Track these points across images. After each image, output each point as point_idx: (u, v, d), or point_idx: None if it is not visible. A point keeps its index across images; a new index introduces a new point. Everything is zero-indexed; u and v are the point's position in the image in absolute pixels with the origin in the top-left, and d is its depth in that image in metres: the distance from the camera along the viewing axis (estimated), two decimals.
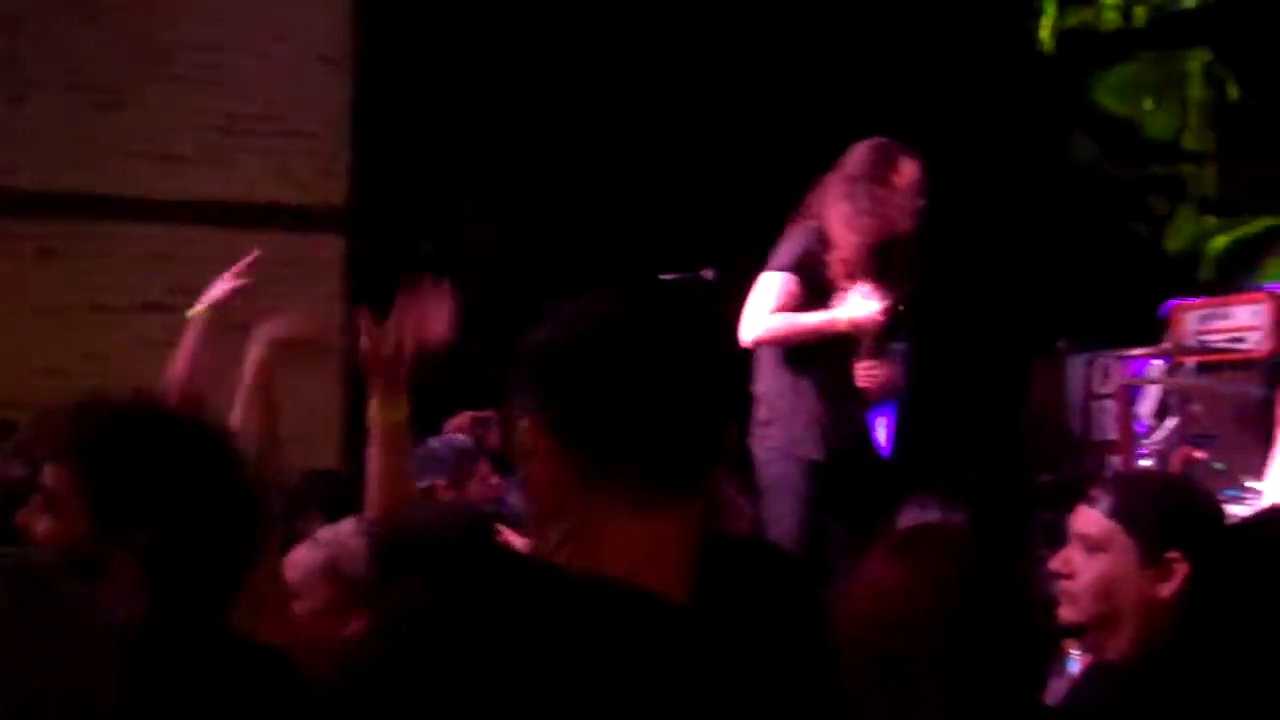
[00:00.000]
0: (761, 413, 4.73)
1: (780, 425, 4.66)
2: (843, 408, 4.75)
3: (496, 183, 7.18)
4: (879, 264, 4.70)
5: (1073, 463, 6.66)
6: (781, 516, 4.54)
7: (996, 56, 7.76)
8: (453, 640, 1.28)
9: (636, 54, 7.22)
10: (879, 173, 4.63)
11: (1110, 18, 8.07)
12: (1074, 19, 8.21)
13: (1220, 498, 4.98)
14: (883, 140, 4.76)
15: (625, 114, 7.22)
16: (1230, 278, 7.81)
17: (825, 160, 5.03)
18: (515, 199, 7.21)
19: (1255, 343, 5.61)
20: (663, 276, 5.93)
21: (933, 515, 3.55)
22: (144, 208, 6.86)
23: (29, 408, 5.73)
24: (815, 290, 4.65)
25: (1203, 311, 6.02)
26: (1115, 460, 6.41)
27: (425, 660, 1.28)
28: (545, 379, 1.41)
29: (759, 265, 5.12)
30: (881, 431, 5.27)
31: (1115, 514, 2.35)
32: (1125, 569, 2.32)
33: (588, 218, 7.11)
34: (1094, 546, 2.36)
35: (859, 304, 4.53)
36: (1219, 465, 5.21)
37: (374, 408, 2.65)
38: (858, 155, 4.73)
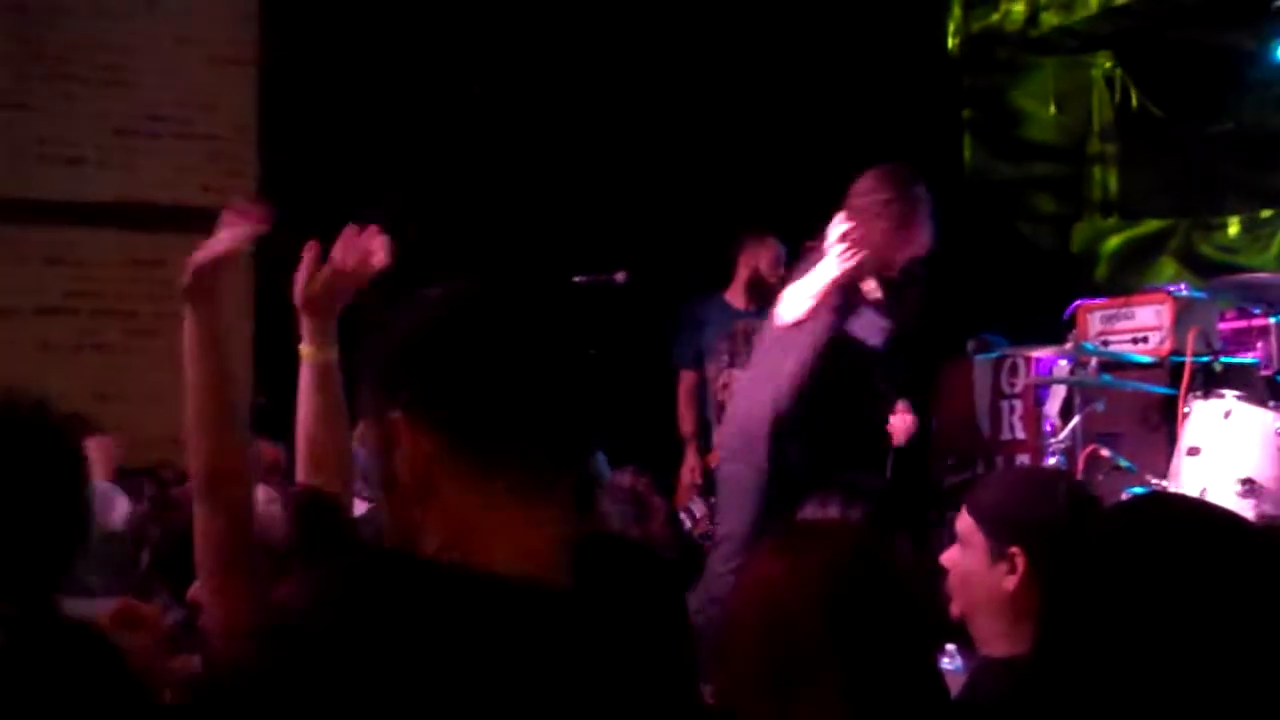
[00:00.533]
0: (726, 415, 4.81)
1: (737, 428, 4.68)
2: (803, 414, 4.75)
3: (404, 185, 7.12)
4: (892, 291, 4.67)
5: (983, 462, 6.74)
6: (730, 514, 4.57)
7: (900, 61, 7.83)
8: (351, 641, 1.25)
9: (544, 55, 7.20)
10: (911, 201, 4.59)
11: (1016, 22, 8.18)
12: (979, 24, 8.32)
13: (1122, 496, 5.08)
14: (905, 167, 4.71)
15: (535, 115, 7.20)
16: (1124, 277, 7.95)
17: (729, 156, 5.08)
18: (423, 202, 7.15)
19: (1156, 342, 5.71)
20: (576, 279, 5.92)
21: (832, 512, 3.55)
22: (42, 210, 6.71)
23: None
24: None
25: (1106, 311, 6.12)
26: (1023, 459, 6.50)
27: (321, 660, 1.25)
28: (424, 370, 1.33)
29: (674, 268, 5.17)
30: None
31: (973, 511, 2.45)
32: (977, 564, 2.41)
33: (500, 219, 7.07)
34: (962, 543, 2.46)
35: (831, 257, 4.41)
36: (1124, 463, 5.30)
37: (305, 347, 2.64)
38: (893, 179, 4.65)
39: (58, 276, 6.64)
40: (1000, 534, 2.40)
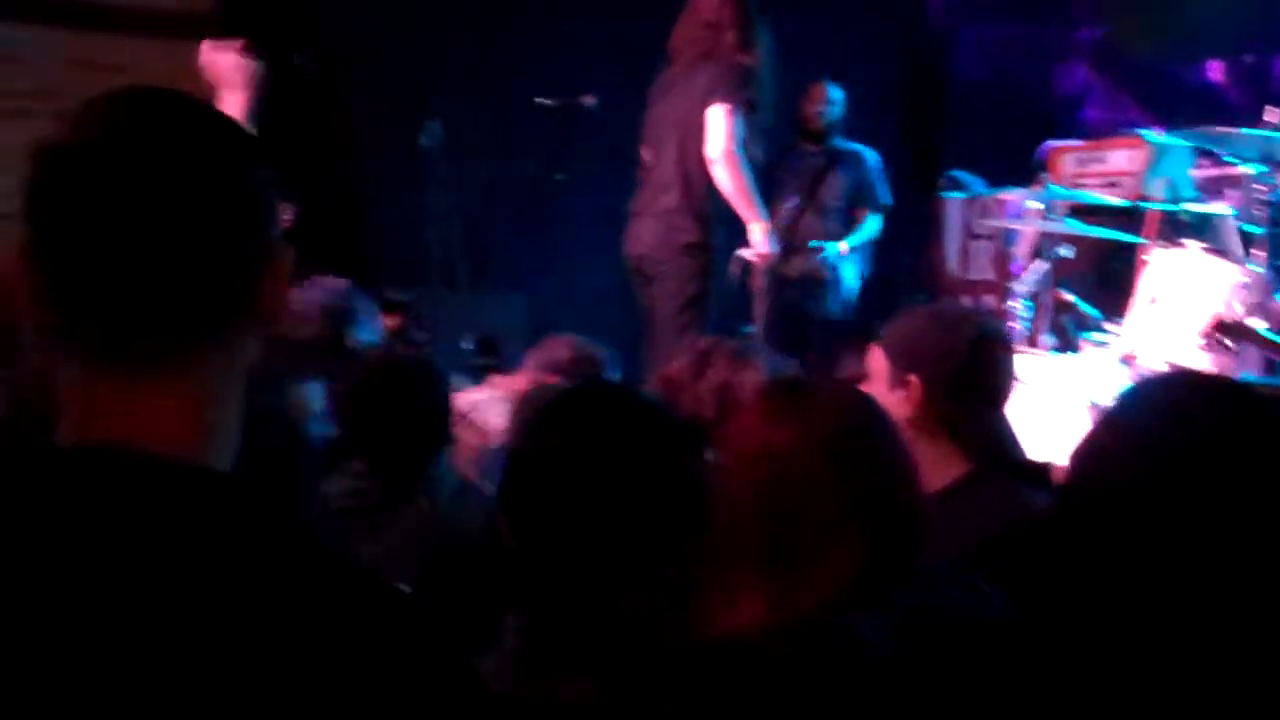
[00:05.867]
0: None
1: None
2: None
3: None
4: None
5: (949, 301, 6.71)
6: None
7: None
8: None
9: None
10: None
11: None
12: None
13: (1082, 340, 5.07)
14: None
15: None
16: None
17: None
18: (399, 10, 6.95)
19: (1128, 188, 5.65)
20: (540, 100, 5.80)
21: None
22: (3, 6, 6.52)
23: None
24: None
25: (1079, 154, 6.04)
26: (989, 300, 6.49)
27: None
28: (23, 192, 1.09)
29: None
30: None
31: (881, 342, 2.65)
32: (878, 391, 2.55)
33: (471, 32, 6.89)
34: (869, 375, 2.64)
35: None
36: (1087, 308, 5.28)
37: None
38: None
39: (11, 75, 6.47)
40: (900, 362, 2.58)
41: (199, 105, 1.12)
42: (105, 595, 0.96)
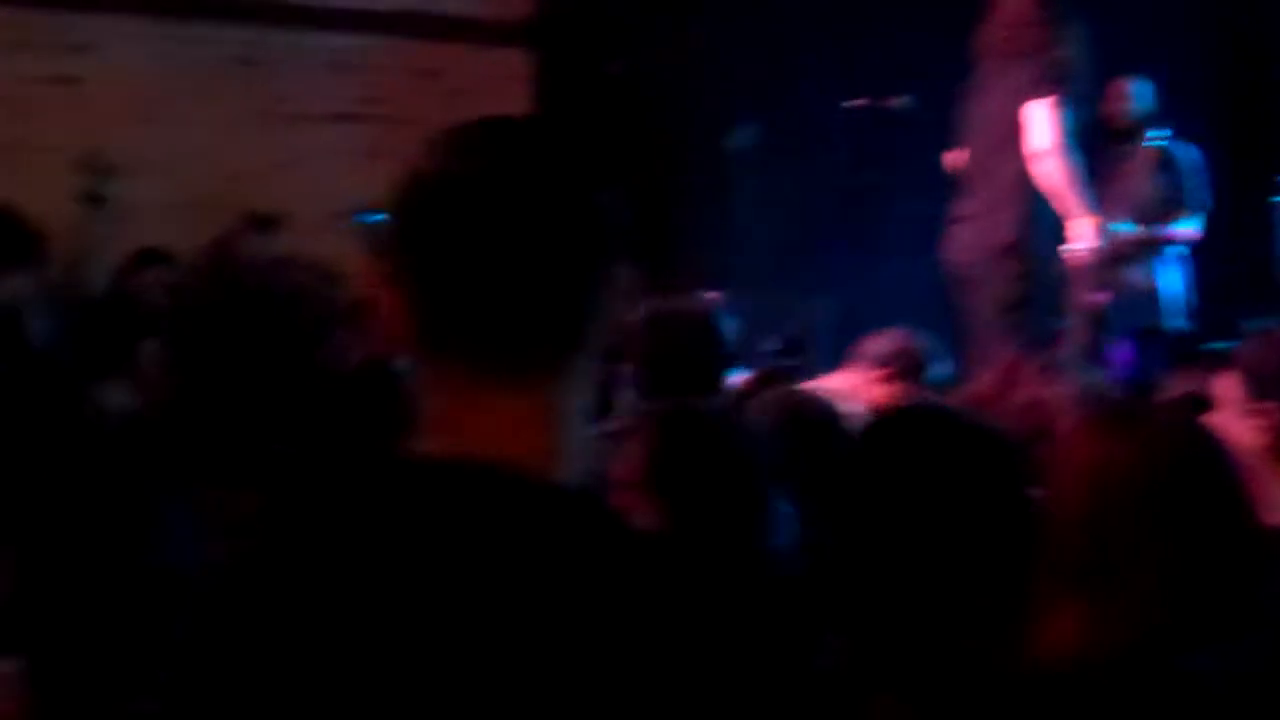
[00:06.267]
0: None
1: None
2: None
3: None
4: None
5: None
6: None
7: None
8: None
9: None
10: None
11: None
12: None
13: None
14: None
15: None
16: None
17: None
18: (709, 17, 7.01)
19: None
20: (847, 104, 5.74)
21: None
22: (335, 17, 6.86)
23: (218, 211, 5.88)
24: None
25: None
26: None
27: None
28: (396, 219, 1.17)
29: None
30: None
31: (1235, 368, 2.51)
32: (1229, 421, 2.40)
33: (779, 38, 6.89)
34: (1219, 403, 2.50)
35: None
36: None
37: None
38: None
39: (349, 83, 6.79)
40: (1257, 389, 2.43)
41: (554, 131, 1.20)
42: (455, 582, 1.06)
